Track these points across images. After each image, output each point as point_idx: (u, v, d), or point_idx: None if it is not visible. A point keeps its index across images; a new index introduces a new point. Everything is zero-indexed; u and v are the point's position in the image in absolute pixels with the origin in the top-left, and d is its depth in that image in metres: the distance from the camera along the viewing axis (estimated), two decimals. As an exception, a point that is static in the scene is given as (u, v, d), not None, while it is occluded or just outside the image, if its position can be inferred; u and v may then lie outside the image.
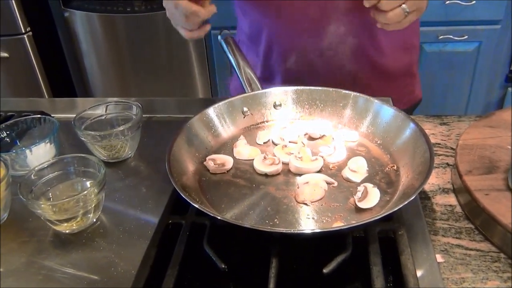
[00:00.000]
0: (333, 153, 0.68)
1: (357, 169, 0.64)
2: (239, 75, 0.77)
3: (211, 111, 0.72)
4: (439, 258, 0.55)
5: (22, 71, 2.27)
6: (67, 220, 0.59)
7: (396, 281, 0.52)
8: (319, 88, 0.75)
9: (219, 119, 0.73)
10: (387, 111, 0.70)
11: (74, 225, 0.61)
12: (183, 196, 0.54)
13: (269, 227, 0.56)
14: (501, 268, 0.53)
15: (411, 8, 0.68)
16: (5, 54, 2.22)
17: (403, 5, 0.67)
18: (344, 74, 0.89)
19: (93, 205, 0.60)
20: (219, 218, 0.54)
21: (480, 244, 0.57)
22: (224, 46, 0.80)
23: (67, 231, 0.61)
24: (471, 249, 0.56)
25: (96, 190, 0.60)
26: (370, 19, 0.72)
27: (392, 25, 0.70)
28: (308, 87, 0.76)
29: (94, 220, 0.62)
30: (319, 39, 0.86)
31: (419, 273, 0.51)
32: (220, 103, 0.73)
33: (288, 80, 0.91)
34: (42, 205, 0.58)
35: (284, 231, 0.54)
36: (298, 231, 0.54)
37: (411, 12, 0.68)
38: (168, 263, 0.52)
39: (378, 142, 0.70)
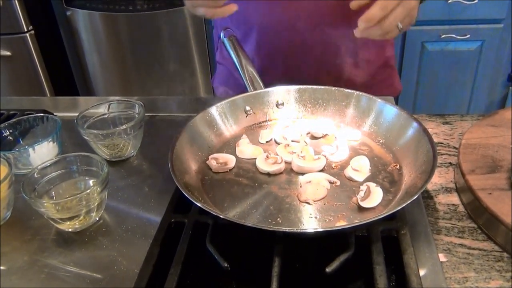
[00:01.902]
0: (335, 152, 0.68)
1: (360, 168, 0.64)
2: (241, 74, 0.77)
3: (214, 110, 0.72)
4: (441, 257, 0.55)
5: (24, 69, 2.28)
6: (70, 219, 0.60)
7: (399, 280, 0.52)
8: (322, 87, 0.75)
9: (221, 118, 0.73)
10: (390, 110, 0.70)
11: (77, 223, 0.61)
12: (186, 195, 0.54)
13: (272, 226, 0.56)
14: (504, 267, 0.53)
15: (405, 24, 0.69)
16: (8, 53, 2.22)
17: (398, 24, 0.68)
18: (327, 71, 0.90)
19: (96, 204, 0.61)
20: (221, 217, 0.53)
21: (483, 243, 0.57)
22: (227, 44, 0.80)
23: (70, 230, 0.61)
24: (474, 249, 0.56)
25: (99, 189, 0.60)
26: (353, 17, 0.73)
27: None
28: (310, 86, 0.76)
29: (97, 218, 0.63)
30: (309, 38, 0.86)
31: (421, 272, 0.51)
32: (223, 102, 0.73)
33: (275, 79, 0.91)
34: (45, 204, 0.58)
35: (287, 230, 0.54)
36: (301, 231, 0.54)
37: (404, 26, 0.69)
38: (171, 262, 0.52)
39: (381, 141, 0.70)
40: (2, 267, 0.57)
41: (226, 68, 1.01)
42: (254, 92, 0.75)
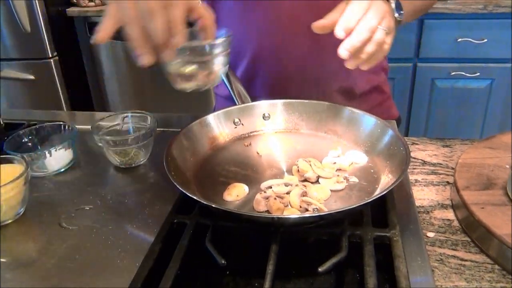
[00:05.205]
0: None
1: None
2: (230, 90, 0.82)
3: (211, 117, 0.78)
4: (434, 266, 0.56)
5: (46, 93, 2.37)
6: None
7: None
8: (306, 101, 0.80)
9: (216, 124, 0.78)
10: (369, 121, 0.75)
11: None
12: (182, 190, 0.57)
13: (261, 214, 0.60)
14: (494, 278, 0.54)
15: (388, 25, 0.64)
16: (31, 77, 2.33)
17: (379, 26, 0.63)
18: (320, 96, 0.90)
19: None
20: (221, 208, 0.56)
21: (476, 255, 0.58)
22: None
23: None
24: (466, 260, 0.57)
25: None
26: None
27: (377, 55, 0.65)
28: (295, 100, 0.80)
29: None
30: (299, 66, 0.89)
31: (412, 278, 0.52)
32: (220, 112, 0.78)
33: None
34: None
35: (276, 217, 0.57)
36: (287, 216, 0.57)
37: (388, 33, 0.65)
38: (171, 259, 0.54)
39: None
40: (6, 261, 0.60)
41: (222, 99, 1.05)
42: (242, 105, 0.80)
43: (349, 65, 0.65)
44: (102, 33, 0.54)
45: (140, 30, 0.52)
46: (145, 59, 0.55)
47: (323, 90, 0.93)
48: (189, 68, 0.61)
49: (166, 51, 0.55)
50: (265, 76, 0.93)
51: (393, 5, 0.69)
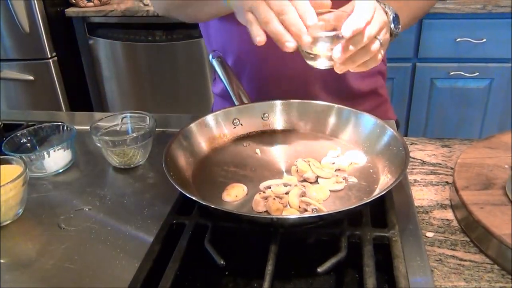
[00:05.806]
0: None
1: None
2: (229, 91, 0.82)
3: (210, 118, 0.77)
4: (433, 266, 0.56)
5: (45, 93, 2.37)
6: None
7: None
8: (305, 101, 0.80)
9: (215, 125, 0.78)
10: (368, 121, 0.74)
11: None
12: (181, 190, 0.57)
13: (260, 214, 0.60)
14: (494, 278, 0.54)
15: (383, 41, 0.64)
16: (30, 77, 2.33)
17: (377, 37, 0.62)
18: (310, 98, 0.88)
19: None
20: (220, 209, 0.56)
21: (475, 255, 0.58)
22: (215, 64, 0.86)
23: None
24: (465, 260, 0.57)
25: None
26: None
27: (367, 63, 0.64)
28: (294, 100, 0.80)
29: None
30: (291, 66, 0.88)
31: (412, 278, 0.52)
32: (219, 112, 0.78)
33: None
34: None
35: (275, 217, 0.57)
36: (286, 217, 0.57)
37: (383, 45, 0.64)
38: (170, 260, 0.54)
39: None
40: (5, 262, 0.60)
41: (220, 98, 1.05)
42: (241, 105, 0.80)
43: (338, 69, 0.64)
44: (261, 36, 0.60)
45: (280, 25, 0.59)
46: (290, 47, 0.60)
47: (311, 92, 0.92)
48: (324, 51, 0.64)
49: (303, 37, 0.60)
50: (251, 74, 0.93)
51: (390, 17, 0.68)
